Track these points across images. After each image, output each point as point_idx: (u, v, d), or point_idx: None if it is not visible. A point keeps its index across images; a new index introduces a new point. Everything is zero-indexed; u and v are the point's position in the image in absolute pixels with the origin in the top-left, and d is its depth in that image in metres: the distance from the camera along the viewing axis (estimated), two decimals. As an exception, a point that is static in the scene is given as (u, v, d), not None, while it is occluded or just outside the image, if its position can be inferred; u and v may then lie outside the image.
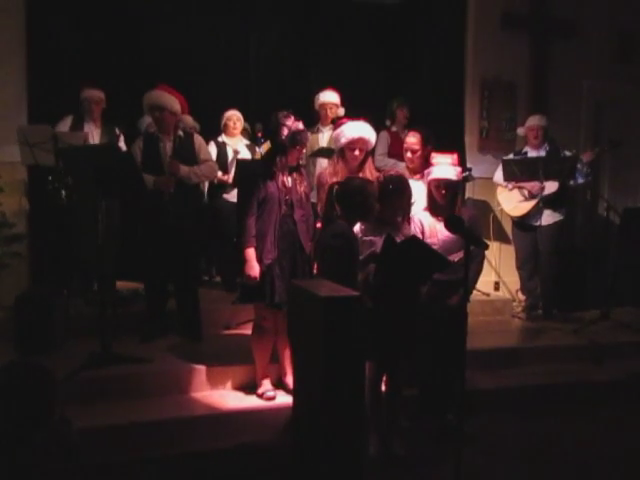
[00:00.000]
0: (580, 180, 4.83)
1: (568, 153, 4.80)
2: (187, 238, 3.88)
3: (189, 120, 4.41)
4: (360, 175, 3.39)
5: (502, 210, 5.08)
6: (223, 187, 4.87)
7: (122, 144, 4.52)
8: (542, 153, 4.81)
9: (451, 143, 4.40)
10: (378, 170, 3.57)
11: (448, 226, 2.72)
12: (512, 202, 4.92)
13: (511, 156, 4.97)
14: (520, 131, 5.05)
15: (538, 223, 4.69)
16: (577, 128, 5.72)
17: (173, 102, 3.87)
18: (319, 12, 5.77)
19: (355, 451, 2.49)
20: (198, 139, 4.02)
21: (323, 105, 4.78)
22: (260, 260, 3.23)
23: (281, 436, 3.04)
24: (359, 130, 3.44)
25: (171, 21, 5.41)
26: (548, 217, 4.75)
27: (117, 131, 4.55)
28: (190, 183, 3.89)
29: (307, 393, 2.68)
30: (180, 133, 3.92)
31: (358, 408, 2.50)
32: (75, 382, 3.19)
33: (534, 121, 4.88)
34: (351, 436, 2.47)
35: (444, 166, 3.29)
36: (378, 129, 3.84)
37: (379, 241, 2.97)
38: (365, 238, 3.07)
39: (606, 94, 5.78)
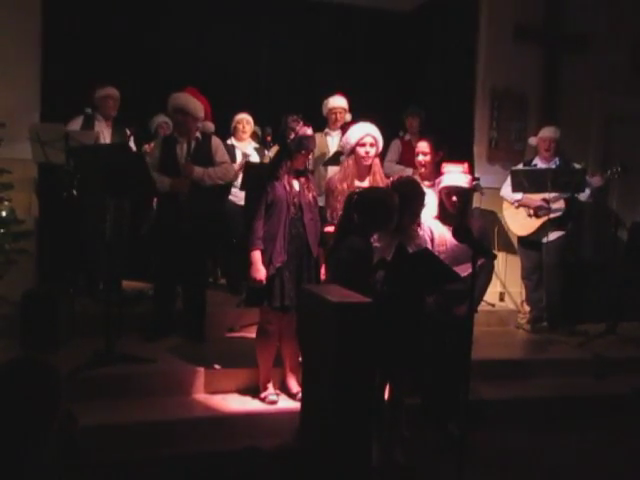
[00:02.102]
0: (590, 199, 4.81)
1: (577, 166, 4.79)
2: (200, 240, 3.89)
3: (210, 126, 4.42)
4: (370, 179, 3.40)
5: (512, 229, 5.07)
6: (228, 189, 4.88)
7: (132, 144, 4.55)
8: (552, 167, 4.79)
9: (460, 153, 4.41)
10: (387, 176, 3.58)
11: (456, 236, 2.72)
12: (518, 220, 4.90)
13: (520, 166, 4.96)
14: (532, 141, 5.02)
15: (544, 240, 4.68)
16: (587, 142, 5.70)
17: (198, 108, 3.88)
18: (331, 19, 5.79)
19: (364, 457, 2.49)
20: (215, 141, 4.03)
21: (332, 110, 4.79)
22: (270, 263, 3.23)
23: (292, 442, 3.02)
24: (366, 127, 3.47)
25: (184, 24, 5.46)
26: (554, 232, 4.73)
27: (127, 131, 4.58)
28: (204, 185, 3.90)
29: (316, 398, 2.67)
30: (198, 135, 3.93)
31: (368, 414, 2.49)
32: (79, 380, 3.19)
33: (547, 132, 4.86)
34: (360, 442, 2.46)
35: (455, 174, 3.28)
36: (387, 137, 3.85)
37: (390, 248, 2.95)
38: (376, 244, 3.03)
39: (617, 109, 5.76)
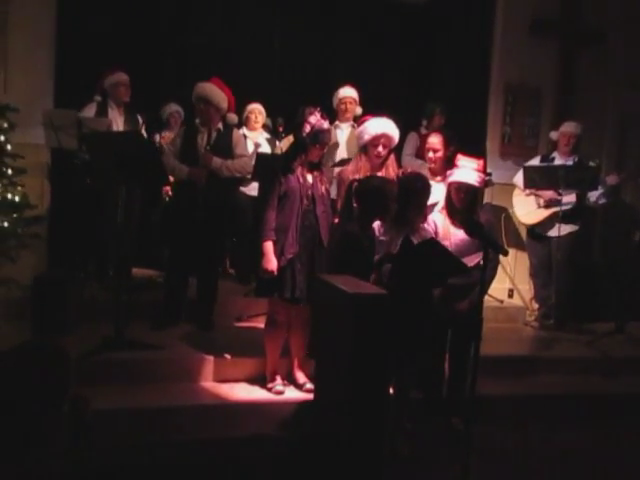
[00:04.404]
0: (601, 200, 4.77)
1: (592, 163, 4.75)
2: (215, 229, 3.90)
3: (233, 118, 4.43)
4: (382, 173, 3.39)
5: (518, 216, 5.04)
6: (241, 180, 4.89)
7: (144, 132, 4.56)
8: (569, 163, 4.74)
9: (473, 147, 4.37)
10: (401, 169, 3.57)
11: (468, 230, 2.71)
12: (526, 208, 4.88)
13: (537, 160, 4.92)
14: (553, 135, 4.97)
15: (553, 234, 4.65)
16: (601, 140, 5.64)
17: (221, 99, 3.89)
18: (345, 9, 5.76)
19: (378, 447, 2.50)
20: (237, 134, 4.04)
21: (342, 100, 4.72)
22: (281, 254, 3.23)
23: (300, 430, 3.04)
24: (383, 126, 3.43)
25: (196, 12, 5.45)
26: (563, 228, 4.70)
27: (140, 119, 4.59)
28: (222, 176, 3.89)
29: (331, 388, 2.69)
30: (220, 126, 3.94)
31: (384, 404, 2.50)
32: (87, 365, 3.22)
33: (569, 128, 4.82)
34: (377, 432, 2.48)
35: (468, 170, 3.24)
36: (401, 129, 3.81)
37: (396, 241, 2.95)
38: (382, 238, 3.04)
39: (633, 107, 5.69)
